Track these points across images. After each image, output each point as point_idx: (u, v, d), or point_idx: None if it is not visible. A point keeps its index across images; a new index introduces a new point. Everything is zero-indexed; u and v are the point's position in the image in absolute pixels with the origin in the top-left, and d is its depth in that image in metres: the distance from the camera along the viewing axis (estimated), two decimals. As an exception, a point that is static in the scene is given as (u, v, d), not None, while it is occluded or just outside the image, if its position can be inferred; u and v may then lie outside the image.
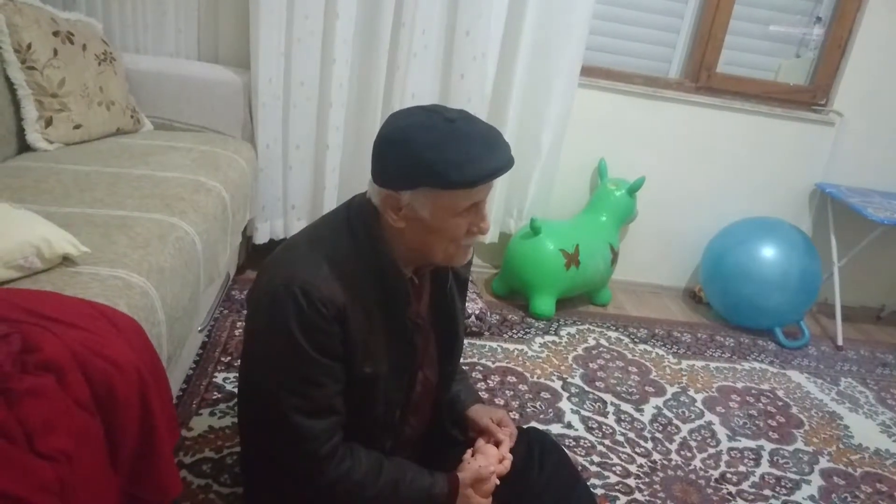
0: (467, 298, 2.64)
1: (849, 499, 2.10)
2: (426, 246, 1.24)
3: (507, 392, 2.31)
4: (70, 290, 1.25)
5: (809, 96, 3.20)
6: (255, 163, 2.55)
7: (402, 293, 1.28)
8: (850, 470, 2.24)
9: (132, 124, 2.37)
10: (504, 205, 3.00)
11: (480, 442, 1.44)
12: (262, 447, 1.36)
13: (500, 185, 2.91)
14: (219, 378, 2.10)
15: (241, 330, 2.35)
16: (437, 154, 1.12)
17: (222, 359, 2.20)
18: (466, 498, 1.33)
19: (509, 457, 1.43)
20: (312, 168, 2.75)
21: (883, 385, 2.87)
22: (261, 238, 2.74)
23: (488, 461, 1.37)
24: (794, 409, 2.54)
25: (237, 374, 1.97)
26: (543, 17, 2.71)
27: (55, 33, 2.11)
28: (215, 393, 2.03)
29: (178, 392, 1.95)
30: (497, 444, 1.44)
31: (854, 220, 3.09)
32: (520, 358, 2.53)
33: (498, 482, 1.38)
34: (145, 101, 2.48)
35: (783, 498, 2.04)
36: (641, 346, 2.80)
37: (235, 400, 1.93)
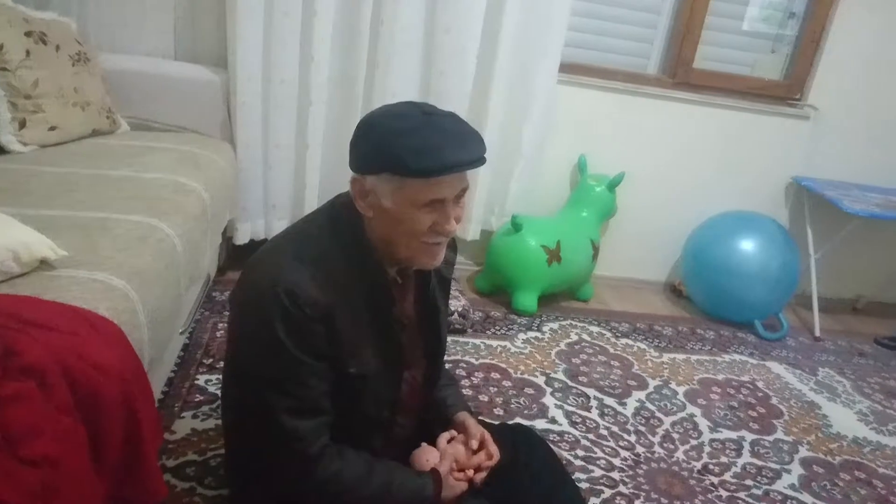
0: (450, 296, 2.66)
1: (828, 486, 2.13)
2: (391, 240, 1.22)
3: (490, 388, 2.31)
4: (49, 294, 1.23)
5: (785, 91, 3.24)
6: (234, 163, 2.54)
7: (386, 292, 1.28)
8: (829, 458, 2.27)
9: (109, 125, 2.34)
10: (486, 202, 3.00)
11: (443, 437, 1.43)
12: (249, 449, 1.35)
13: (482, 182, 2.92)
14: (201, 380, 2.08)
15: (222, 331, 2.33)
16: (401, 140, 1.13)
17: (204, 361, 2.19)
18: (451, 487, 1.34)
19: (496, 450, 1.44)
20: (293, 167, 2.74)
21: (860, 374, 2.91)
22: (241, 238, 2.72)
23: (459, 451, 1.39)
24: (774, 400, 2.57)
25: (220, 376, 1.95)
26: (522, 14, 2.72)
27: (28, 34, 2.08)
28: (198, 395, 2.01)
29: (160, 395, 1.93)
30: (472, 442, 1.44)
31: (830, 212, 3.13)
32: (503, 354, 2.54)
33: (483, 474, 1.39)
34: (122, 102, 2.45)
35: (764, 487, 2.07)
36: (623, 341, 2.82)
37: (219, 402, 1.92)
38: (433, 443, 1.45)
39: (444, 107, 1.25)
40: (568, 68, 2.96)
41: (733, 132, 3.23)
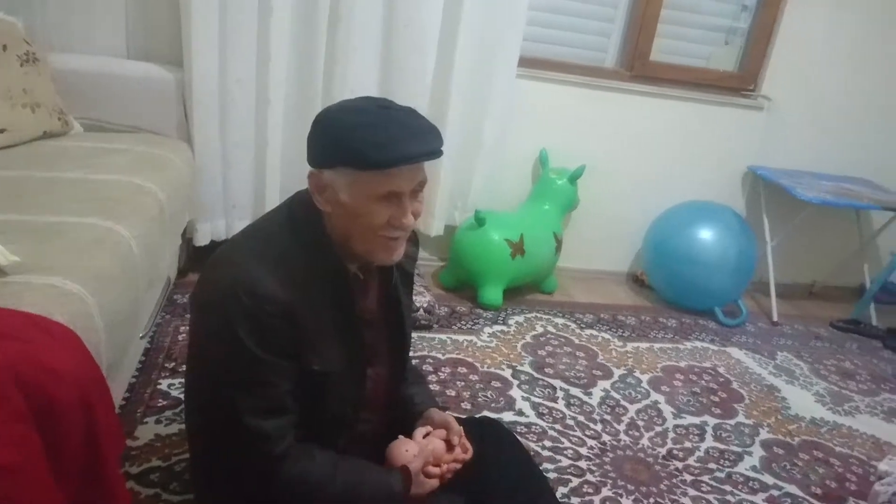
0: (415, 292, 2.66)
1: (788, 467, 2.18)
2: (349, 234, 1.22)
3: (458, 383, 2.32)
4: (1, 302, 1.20)
5: (739, 82, 3.31)
6: (192, 162, 2.49)
7: (348, 289, 1.27)
8: (788, 440, 2.33)
9: (61, 127, 2.28)
10: (449, 197, 3.00)
11: (420, 431, 1.43)
12: (214, 451, 1.33)
13: (444, 177, 2.92)
14: (164, 384, 2.05)
15: (185, 335, 2.30)
16: (356, 133, 1.13)
17: (166, 365, 2.15)
18: (421, 484, 1.34)
19: (469, 446, 1.44)
20: (253, 166, 2.71)
21: (817, 357, 2.99)
22: (202, 239, 2.68)
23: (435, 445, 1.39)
24: (735, 385, 2.63)
25: (183, 380, 1.92)
26: (481, 8, 2.72)
27: (-27, 34, 2.02)
28: (160, 400, 1.98)
29: (121, 401, 1.90)
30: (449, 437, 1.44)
31: (785, 200, 3.21)
32: (470, 348, 2.55)
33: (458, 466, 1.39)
34: (74, 103, 2.38)
35: (727, 470, 2.12)
36: (588, 331, 2.85)
37: (182, 406, 1.89)
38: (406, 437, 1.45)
39: (404, 102, 1.25)
40: (527, 62, 2.98)
41: (690, 123, 3.28)
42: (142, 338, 2.01)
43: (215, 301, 1.20)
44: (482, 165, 2.98)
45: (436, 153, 1.18)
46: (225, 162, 2.66)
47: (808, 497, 2.06)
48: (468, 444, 1.44)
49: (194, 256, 2.74)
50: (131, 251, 1.63)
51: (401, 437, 1.41)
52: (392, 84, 2.71)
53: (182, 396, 1.94)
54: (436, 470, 1.38)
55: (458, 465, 1.41)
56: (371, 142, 1.12)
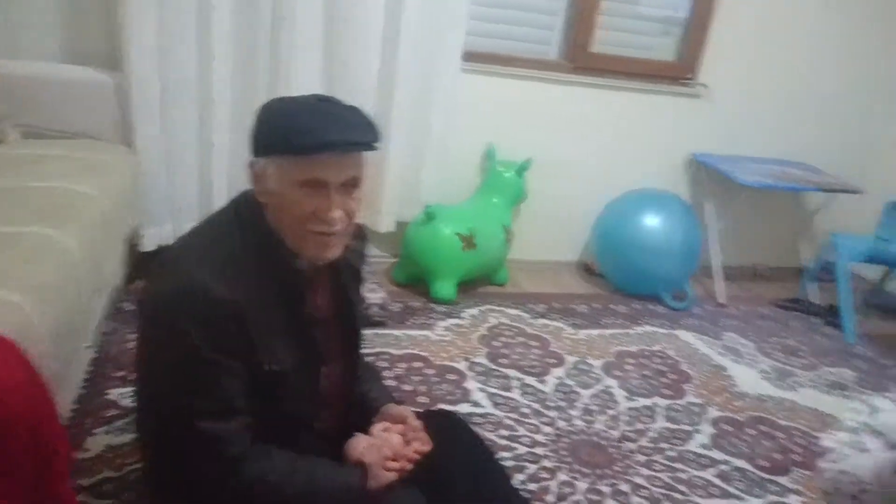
0: (368, 289, 2.66)
1: (736, 442, 2.26)
2: (282, 227, 1.23)
3: (413, 378, 2.33)
4: (-63, 315, 1.17)
5: (678, 71, 3.39)
6: (135, 167, 2.45)
7: (296, 287, 1.27)
8: (736, 416, 2.41)
9: (-5, 134, 2.22)
10: (398, 193, 3.01)
11: (377, 427, 1.44)
12: (168, 458, 1.32)
13: (393, 173, 2.92)
14: (113, 394, 2.01)
15: (133, 343, 2.25)
16: (285, 121, 1.17)
17: (116, 374, 2.11)
18: (377, 477, 1.34)
19: (427, 439, 1.45)
20: (198, 168, 2.67)
21: (761, 336, 3.09)
22: (148, 245, 2.64)
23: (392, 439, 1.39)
24: (684, 366, 2.70)
25: (133, 388, 1.89)
26: (422, 4, 2.73)
27: None
28: (111, 410, 1.95)
29: (69, 412, 1.86)
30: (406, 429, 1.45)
31: (727, 185, 3.30)
32: (424, 343, 2.57)
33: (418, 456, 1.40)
34: (10, 110, 2.32)
35: (678, 449, 2.18)
36: (541, 321, 2.89)
37: (133, 415, 1.86)
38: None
39: (349, 99, 1.26)
40: (472, 57, 2.99)
41: (633, 113, 3.35)
42: (88, 348, 1.97)
43: (163, 306, 1.19)
44: (430, 160, 2.99)
45: (361, 146, 1.20)
46: (169, 165, 2.62)
47: (755, 470, 2.14)
48: (427, 437, 1.45)
49: (142, 263, 2.68)
50: (74, 259, 1.61)
51: (357, 433, 1.42)
52: (337, 81, 2.70)
53: (133, 405, 1.90)
54: (394, 464, 1.38)
55: (417, 457, 1.42)
56: (295, 128, 1.15)
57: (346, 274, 1.42)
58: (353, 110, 1.23)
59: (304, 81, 2.64)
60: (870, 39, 3.53)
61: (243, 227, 1.25)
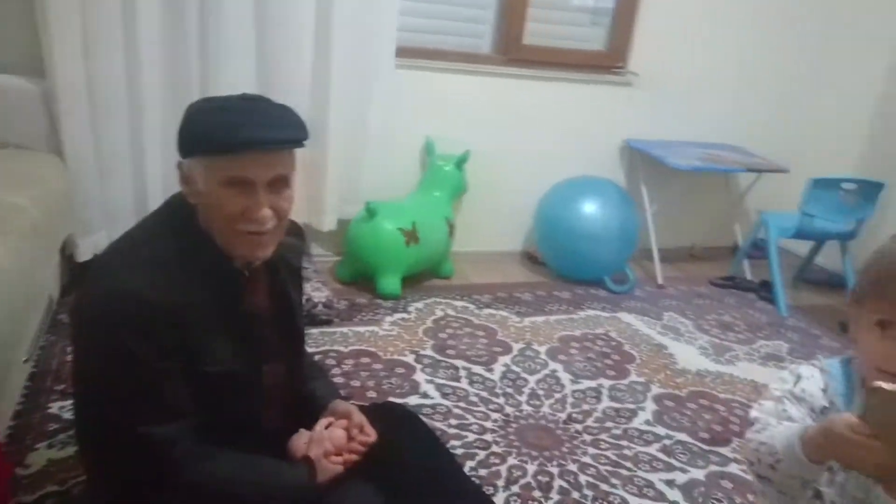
0: (313, 288, 2.66)
1: (678, 417, 2.34)
2: (211, 227, 1.23)
3: (362, 373, 2.35)
4: None
5: (608, 60, 3.47)
6: (65, 175, 2.39)
7: (233, 287, 1.27)
8: (677, 392, 2.49)
9: (-87, 148, 2.14)
10: (339, 191, 3.01)
11: (321, 423, 1.45)
12: (111, 467, 1.30)
13: (333, 171, 2.92)
14: (54, 408, 1.97)
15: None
16: (209, 120, 1.17)
17: (56, 387, 2.06)
18: (324, 470, 1.35)
19: (371, 430, 1.46)
20: (132, 174, 2.62)
21: (699, 314, 3.20)
22: (83, 255, 2.57)
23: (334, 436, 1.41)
24: (627, 347, 2.78)
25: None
26: (353, 2, 2.73)
27: None
28: (52, 424, 1.90)
29: (6, 429, 1.81)
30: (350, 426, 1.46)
31: (660, 169, 3.40)
32: (372, 339, 2.58)
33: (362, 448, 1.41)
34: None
35: (623, 426, 2.25)
36: (486, 311, 2.93)
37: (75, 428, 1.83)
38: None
39: (284, 98, 1.27)
40: (405, 52, 3.01)
41: (567, 103, 3.42)
42: (25, 361, 1.92)
43: (96, 314, 1.18)
44: (370, 157, 3.00)
45: (285, 142, 1.20)
46: (101, 172, 2.56)
47: (696, 442, 2.22)
48: (370, 430, 1.46)
49: (77, 273, 2.62)
50: (4, 271, 1.56)
51: (301, 430, 1.42)
52: (270, 81, 2.69)
53: (73, 418, 1.86)
54: (338, 458, 1.40)
55: (362, 448, 1.44)
56: (217, 125, 1.15)
57: (285, 272, 1.43)
58: (280, 108, 1.23)
59: (236, 83, 2.61)
60: (793, 25, 3.68)
61: (175, 229, 1.25)
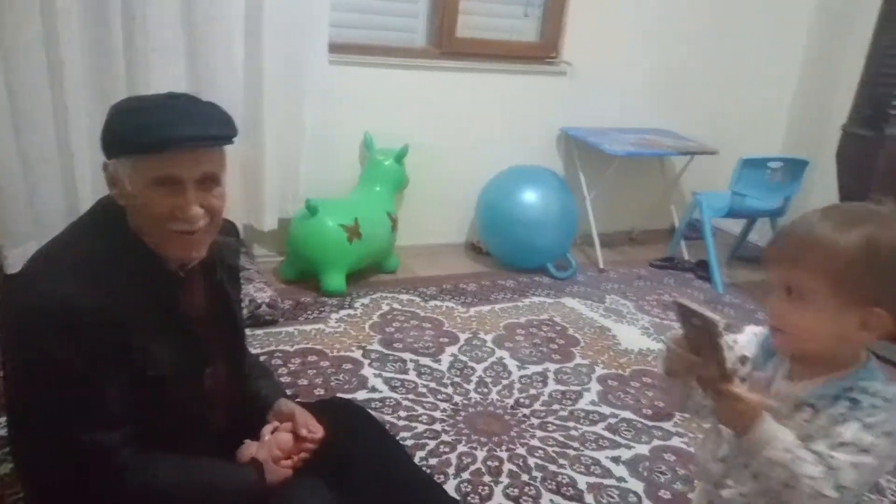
0: (256, 288, 2.63)
1: (622, 396, 2.40)
2: (142, 228, 1.21)
3: (309, 371, 2.34)
4: None
5: (542, 51, 3.52)
6: (-12, 185, 2.31)
7: (168, 289, 1.25)
8: (621, 372, 2.56)
9: None
10: (278, 189, 2.98)
11: (266, 429, 1.44)
12: (50, 479, 1.27)
13: (271, 170, 2.89)
14: (-12, 424, 1.90)
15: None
16: (133, 119, 1.16)
17: (-11, 403, 1.99)
18: (273, 472, 1.35)
19: (318, 427, 1.46)
20: (61, 180, 2.54)
21: (640, 295, 3.28)
22: (13, 266, 2.48)
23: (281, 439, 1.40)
24: (571, 331, 2.84)
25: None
26: (282, -2, 2.71)
27: None
28: (-14, 441, 1.84)
29: (-62, 449, 1.75)
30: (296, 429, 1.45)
31: (596, 156, 3.47)
32: (318, 337, 2.57)
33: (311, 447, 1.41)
34: None
35: (569, 408, 2.30)
36: (432, 303, 2.95)
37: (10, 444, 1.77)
38: (256, 436, 1.45)
39: (216, 97, 1.26)
40: (339, 48, 3.00)
41: (503, 94, 3.46)
42: (-46, 379, 1.85)
43: (26, 323, 1.15)
44: (308, 154, 2.98)
45: (213, 139, 1.19)
46: (28, 180, 2.48)
47: (640, 419, 2.28)
48: (317, 427, 1.46)
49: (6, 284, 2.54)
50: (-77, 286, 1.51)
51: (246, 441, 1.41)
52: (201, 80, 2.64)
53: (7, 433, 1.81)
54: (287, 462, 1.40)
55: (310, 447, 1.44)
56: (141, 125, 1.14)
57: (222, 271, 1.41)
58: (206, 105, 1.22)
59: (166, 83, 2.55)
60: (716, 12, 3.79)
61: (104, 232, 1.22)
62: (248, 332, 2.42)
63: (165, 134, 1.13)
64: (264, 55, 2.71)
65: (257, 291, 2.62)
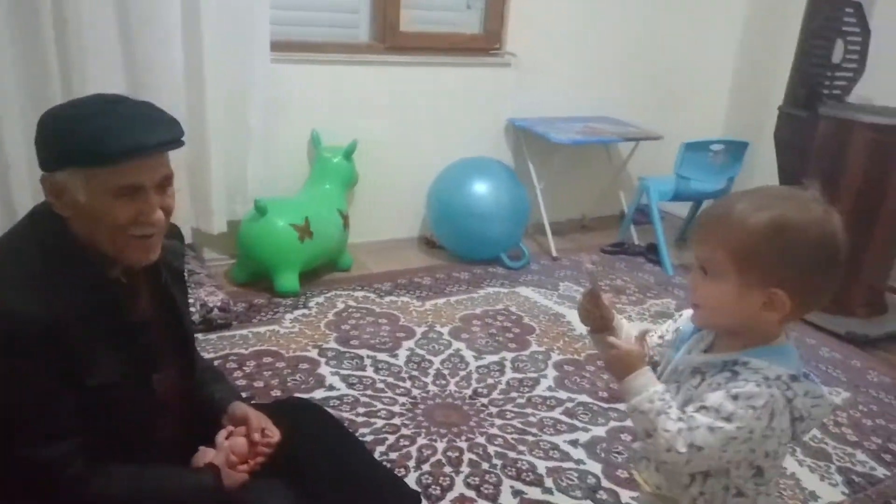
0: (207, 292, 2.59)
1: (578, 380, 2.44)
2: (96, 237, 1.18)
3: (265, 373, 2.32)
4: None
5: (486, 42, 3.54)
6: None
7: (111, 296, 1.23)
8: (576, 357, 2.60)
9: None
10: (226, 191, 2.94)
11: (220, 435, 1.42)
12: (6, 494, 1.24)
13: (217, 172, 2.85)
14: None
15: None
16: (81, 128, 1.11)
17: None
18: (229, 476, 1.34)
19: (276, 431, 1.45)
20: (-4, 192, 2.47)
21: (593, 280, 3.32)
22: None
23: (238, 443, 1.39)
24: (527, 319, 2.87)
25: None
26: (220, -3, 2.67)
27: None
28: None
29: None
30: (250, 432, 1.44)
31: (544, 145, 3.51)
32: (273, 338, 2.55)
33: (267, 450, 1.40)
34: None
35: (527, 395, 2.32)
36: (388, 298, 2.95)
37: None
38: (210, 441, 1.43)
39: (157, 99, 1.24)
40: (282, 46, 2.97)
41: (450, 86, 3.46)
42: None
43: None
44: (254, 155, 2.95)
45: (169, 144, 1.17)
46: (-39, 193, 2.40)
47: (596, 402, 2.32)
48: (273, 430, 1.45)
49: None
50: None
51: (201, 448, 1.40)
52: (141, 82, 2.58)
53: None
54: (243, 467, 1.38)
55: (267, 451, 1.43)
56: (96, 136, 1.10)
57: (168, 275, 1.39)
58: (150, 107, 1.20)
59: (103, 86, 2.48)
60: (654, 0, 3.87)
61: (43, 242, 1.19)
62: (201, 336, 2.43)
63: (126, 144, 1.10)
64: (204, 57, 2.66)
65: (208, 295, 2.58)
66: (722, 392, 1.01)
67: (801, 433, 1.06)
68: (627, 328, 1.27)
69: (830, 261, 1.01)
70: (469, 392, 2.31)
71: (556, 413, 2.24)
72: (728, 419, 0.99)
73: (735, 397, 1.00)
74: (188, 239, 2.86)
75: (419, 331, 2.69)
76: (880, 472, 2.09)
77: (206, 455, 1.38)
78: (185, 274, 1.52)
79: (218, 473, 1.34)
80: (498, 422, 2.17)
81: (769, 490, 1.11)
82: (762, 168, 3.58)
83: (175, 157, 1.23)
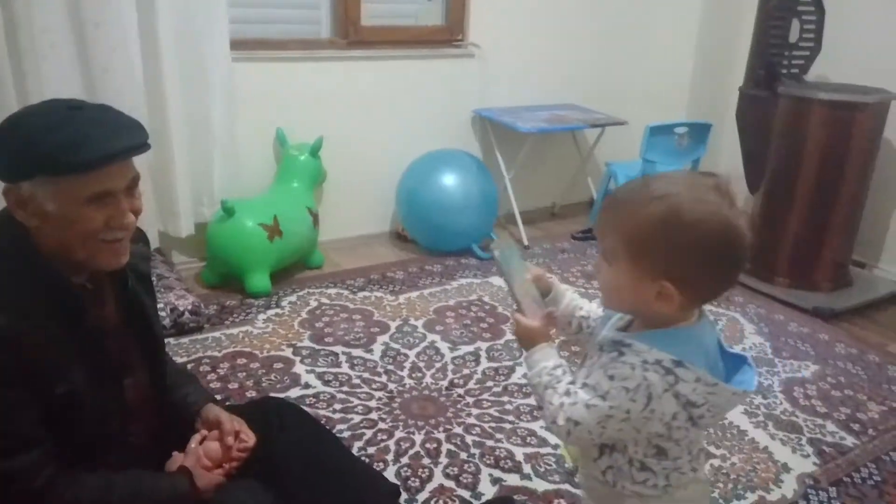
0: (177, 296, 2.57)
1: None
2: (66, 245, 1.17)
3: (239, 374, 2.30)
4: None
5: (448, 34, 3.54)
6: None
7: (76, 303, 1.21)
8: (550, 344, 2.61)
9: None
10: (192, 193, 2.90)
11: (195, 439, 1.41)
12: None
13: (182, 174, 2.81)
14: None
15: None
16: (47, 137, 1.09)
17: None
18: (204, 478, 1.33)
19: (251, 435, 1.44)
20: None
21: (565, 267, 3.36)
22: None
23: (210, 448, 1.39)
24: (500, 309, 2.88)
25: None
26: (175, -2, 2.63)
27: None
28: None
29: None
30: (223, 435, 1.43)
31: (511, 135, 3.52)
32: (246, 339, 2.53)
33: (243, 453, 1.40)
34: None
35: (503, 384, 2.34)
36: (361, 294, 2.94)
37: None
38: (184, 446, 1.42)
39: (116, 101, 1.23)
40: (242, 45, 2.93)
41: (414, 79, 3.46)
42: None
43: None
44: (219, 155, 2.91)
45: (138, 148, 1.17)
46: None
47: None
48: (249, 435, 1.45)
49: None
50: None
51: (175, 453, 1.39)
52: (98, 85, 2.53)
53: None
54: (218, 470, 1.38)
55: (242, 455, 1.42)
56: (64, 144, 1.08)
57: (134, 280, 1.37)
58: (112, 111, 1.19)
59: (60, 90, 2.44)
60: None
61: (4, 252, 1.17)
62: (172, 341, 2.40)
63: (97, 152, 1.09)
64: (162, 57, 2.62)
65: (178, 299, 2.55)
66: (602, 371, 1.02)
67: (698, 419, 1.02)
68: (570, 297, 1.27)
69: (724, 255, 0.98)
70: (445, 383, 2.32)
71: (532, 400, 2.26)
72: (603, 397, 1.00)
73: (611, 377, 1.00)
74: (155, 243, 2.83)
75: (393, 325, 2.69)
76: (849, 441, 2.14)
77: (179, 461, 1.37)
78: (153, 278, 1.51)
79: (191, 476, 1.33)
80: (475, 411, 2.18)
81: (682, 469, 1.09)
82: (726, 149, 3.63)
83: (138, 161, 1.22)
